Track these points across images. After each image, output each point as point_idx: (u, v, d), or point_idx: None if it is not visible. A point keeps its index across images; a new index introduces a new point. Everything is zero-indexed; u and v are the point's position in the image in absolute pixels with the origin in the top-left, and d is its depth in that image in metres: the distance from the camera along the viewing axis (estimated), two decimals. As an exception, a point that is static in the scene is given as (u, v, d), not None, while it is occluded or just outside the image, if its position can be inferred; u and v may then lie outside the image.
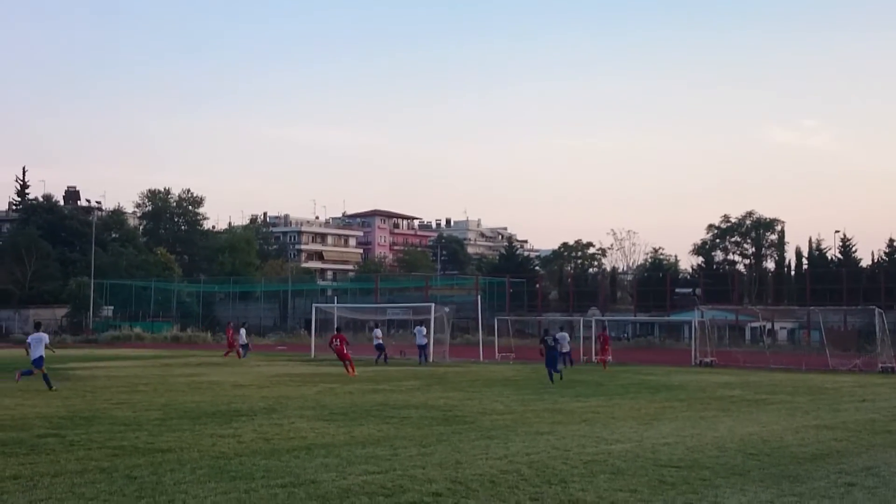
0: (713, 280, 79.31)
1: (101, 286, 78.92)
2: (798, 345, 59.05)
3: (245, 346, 43.70)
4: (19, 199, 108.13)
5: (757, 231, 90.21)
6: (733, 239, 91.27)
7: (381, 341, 40.26)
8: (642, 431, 15.42)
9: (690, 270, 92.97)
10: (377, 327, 43.64)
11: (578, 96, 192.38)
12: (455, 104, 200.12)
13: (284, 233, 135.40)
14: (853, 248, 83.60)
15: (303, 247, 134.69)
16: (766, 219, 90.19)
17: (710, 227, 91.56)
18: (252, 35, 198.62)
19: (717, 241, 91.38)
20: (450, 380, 28.52)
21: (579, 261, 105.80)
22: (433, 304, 45.10)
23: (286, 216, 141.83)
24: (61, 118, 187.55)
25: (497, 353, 44.06)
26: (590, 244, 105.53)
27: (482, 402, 20.72)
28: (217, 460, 11.84)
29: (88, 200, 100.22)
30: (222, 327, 77.97)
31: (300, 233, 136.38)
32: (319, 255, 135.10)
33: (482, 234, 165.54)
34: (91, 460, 11.74)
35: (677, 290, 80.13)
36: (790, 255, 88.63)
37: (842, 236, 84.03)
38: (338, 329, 35.49)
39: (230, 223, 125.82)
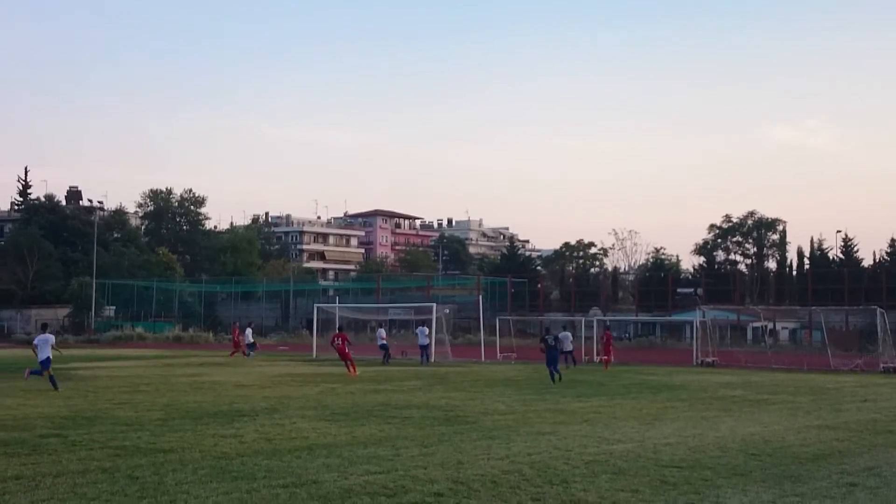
0: (715, 280, 79.29)
1: (103, 286, 78.97)
2: (800, 345, 59.01)
3: (252, 346, 43.83)
4: (21, 199, 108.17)
5: (758, 231, 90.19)
6: (735, 239, 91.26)
7: (384, 341, 40.40)
8: (644, 431, 15.42)
9: (692, 270, 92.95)
10: (381, 327, 43.77)
11: (579, 96, 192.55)
12: (455, 104, 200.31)
13: (286, 233, 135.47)
14: (855, 248, 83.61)
15: (304, 247, 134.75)
16: (767, 219, 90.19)
17: (712, 226, 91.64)
18: (252, 35, 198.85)
19: (719, 240, 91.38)
20: (451, 380, 28.52)
21: (581, 261, 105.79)
22: (435, 304, 45.13)
23: (288, 216, 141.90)
24: (63, 118, 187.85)
25: (499, 354, 44.07)
26: (591, 244, 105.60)
27: (484, 402, 20.72)
28: (219, 460, 11.85)
29: (90, 200, 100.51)
30: (224, 327, 78.35)
31: (302, 233, 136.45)
32: (321, 255, 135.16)
33: (484, 234, 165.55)
34: (93, 460, 11.76)
35: (679, 290, 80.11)
36: (792, 255, 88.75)
37: (843, 236, 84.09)
38: (339, 328, 35.56)
39: (232, 223, 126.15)
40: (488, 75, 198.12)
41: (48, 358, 23.62)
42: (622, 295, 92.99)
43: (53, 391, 22.34)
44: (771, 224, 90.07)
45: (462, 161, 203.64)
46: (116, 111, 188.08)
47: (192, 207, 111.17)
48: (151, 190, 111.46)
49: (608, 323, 47.43)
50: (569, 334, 38.51)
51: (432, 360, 40.12)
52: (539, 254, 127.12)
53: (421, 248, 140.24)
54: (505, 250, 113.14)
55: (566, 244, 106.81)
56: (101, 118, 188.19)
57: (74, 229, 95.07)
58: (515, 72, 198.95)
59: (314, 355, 43.74)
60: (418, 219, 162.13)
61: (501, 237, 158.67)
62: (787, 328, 68.50)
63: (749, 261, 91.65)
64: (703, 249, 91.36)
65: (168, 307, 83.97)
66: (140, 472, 10.88)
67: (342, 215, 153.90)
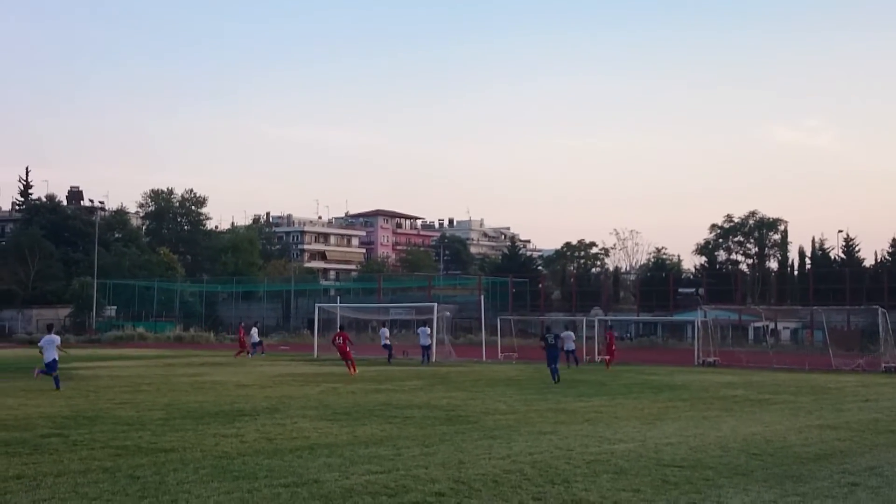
0: (716, 280, 79.26)
1: (105, 286, 79.03)
2: (801, 345, 58.97)
3: (258, 344, 43.90)
4: (22, 199, 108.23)
5: (760, 231, 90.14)
6: (736, 239, 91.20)
7: (388, 341, 40.56)
8: (645, 431, 15.41)
9: (693, 270, 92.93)
10: (384, 326, 43.87)
11: (579, 96, 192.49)
12: (455, 104, 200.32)
13: (287, 233, 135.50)
14: (856, 248, 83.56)
15: (306, 247, 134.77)
16: (769, 218, 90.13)
17: (713, 226, 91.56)
18: (252, 35, 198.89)
19: (720, 240, 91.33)
20: (453, 379, 28.52)
21: (582, 260, 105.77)
22: (436, 304, 45.13)
23: (289, 216, 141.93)
24: (63, 118, 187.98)
25: (500, 353, 44.06)
26: (592, 244, 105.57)
27: (485, 401, 20.72)
28: (220, 460, 11.85)
29: (91, 200, 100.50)
30: (225, 327, 78.42)
31: (303, 233, 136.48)
32: (322, 255, 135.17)
33: (485, 234, 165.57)
34: (94, 460, 11.76)
35: (680, 289, 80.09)
36: (793, 255, 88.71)
37: (845, 236, 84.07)
38: (340, 328, 35.60)
39: (233, 223, 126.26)
40: (488, 75, 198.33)
41: (54, 360, 23.62)
42: (623, 295, 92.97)
43: (55, 391, 22.35)
44: (772, 224, 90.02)
45: (462, 161, 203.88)
46: (116, 111, 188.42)
47: (193, 207, 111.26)
48: (152, 190, 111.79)
49: (610, 323, 47.40)
50: (571, 334, 38.53)
51: (433, 359, 40.13)
52: (540, 254, 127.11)
53: (422, 248, 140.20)
54: (506, 250, 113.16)
55: (567, 244, 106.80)
56: (102, 118, 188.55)
57: (75, 229, 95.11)
58: (515, 72, 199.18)
59: (315, 355, 43.73)
60: (419, 219, 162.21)
61: (502, 237, 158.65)
62: (788, 328, 68.46)
63: (750, 261, 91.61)
64: (704, 249, 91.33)
65: (169, 307, 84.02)
66: (141, 472, 10.88)
67: (343, 215, 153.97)
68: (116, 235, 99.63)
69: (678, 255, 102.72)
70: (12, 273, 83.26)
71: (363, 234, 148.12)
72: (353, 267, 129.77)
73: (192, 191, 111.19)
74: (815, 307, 54.01)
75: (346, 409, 18.76)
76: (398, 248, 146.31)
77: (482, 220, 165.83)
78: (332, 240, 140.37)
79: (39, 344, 24.54)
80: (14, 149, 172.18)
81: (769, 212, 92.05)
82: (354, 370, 30.88)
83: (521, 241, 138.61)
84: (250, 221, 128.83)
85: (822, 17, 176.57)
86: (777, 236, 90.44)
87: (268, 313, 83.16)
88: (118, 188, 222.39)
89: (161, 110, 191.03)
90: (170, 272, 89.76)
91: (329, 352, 37.17)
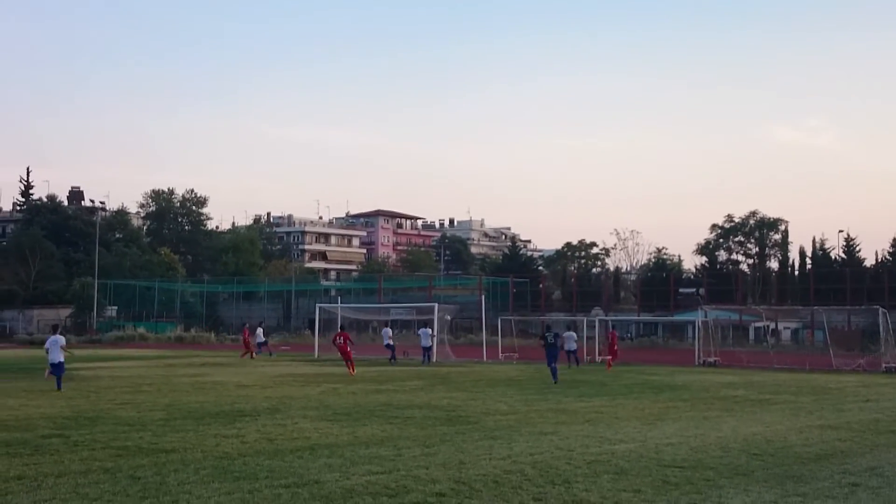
0: (717, 280, 79.22)
1: (105, 286, 79.03)
2: (802, 345, 58.96)
3: (264, 344, 43.95)
4: (23, 199, 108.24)
5: (760, 231, 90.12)
6: (737, 239, 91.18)
7: (391, 341, 40.63)
8: (646, 431, 15.42)
9: (694, 270, 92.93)
10: (387, 326, 43.98)
11: (579, 96, 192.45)
12: (455, 104, 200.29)
13: (288, 233, 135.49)
14: (857, 248, 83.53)
15: (306, 247, 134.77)
16: (769, 218, 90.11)
17: (714, 226, 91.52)
18: (252, 35, 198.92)
19: (721, 240, 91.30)
20: (453, 380, 28.52)
21: (583, 261, 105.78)
22: (436, 305, 45.14)
23: (290, 216, 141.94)
24: (64, 118, 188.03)
25: (500, 354, 44.07)
26: (593, 244, 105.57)
27: (486, 402, 20.72)
28: (221, 461, 11.85)
29: (92, 201, 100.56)
30: (226, 327, 78.45)
31: (304, 233, 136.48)
32: (323, 256, 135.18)
33: (485, 234, 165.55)
34: (95, 461, 11.77)
35: (681, 289, 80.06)
36: (794, 255, 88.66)
37: (845, 236, 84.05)
38: (341, 328, 35.62)
39: (234, 223, 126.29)
40: (488, 75, 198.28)
41: (61, 363, 23.64)
42: (624, 295, 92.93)
43: (56, 391, 22.37)
44: (773, 224, 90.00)
45: (462, 161, 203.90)
46: (116, 111, 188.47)
47: (193, 208, 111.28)
48: (153, 190, 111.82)
49: (613, 323, 47.40)
50: (573, 334, 38.57)
51: (434, 360, 40.14)
52: (541, 254, 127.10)
53: (423, 249, 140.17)
54: (507, 250, 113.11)
55: (568, 244, 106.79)
56: (102, 118, 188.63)
57: (76, 230, 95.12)
58: (515, 72, 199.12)
59: (316, 355, 43.74)
60: (420, 219, 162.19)
61: (503, 237, 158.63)
62: (789, 328, 68.45)
63: (751, 261, 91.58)
64: (704, 249, 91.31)
65: (170, 307, 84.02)
66: (142, 473, 10.89)
67: (344, 215, 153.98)
68: (117, 236, 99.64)
69: (679, 255, 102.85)
70: (13, 273, 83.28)
71: (364, 234, 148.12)
72: (353, 267, 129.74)
73: (192, 191, 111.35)
74: (815, 307, 53.98)
75: (346, 409, 18.76)
76: (399, 248, 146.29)
77: (483, 220, 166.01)
78: (333, 240, 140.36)
79: (46, 346, 24.56)
80: (15, 149, 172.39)
81: (770, 212, 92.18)
82: (353, 370, 30.92)
83: (521, 241, 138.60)
84: (251, 221, 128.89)
85: (821, 17, 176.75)
86: (778, 236, 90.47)
87: (268, 313, 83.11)
88: (119, 188, 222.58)
89: (161, 110, 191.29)
90: (170, 272, 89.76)
91: (330, 352, 37.19)
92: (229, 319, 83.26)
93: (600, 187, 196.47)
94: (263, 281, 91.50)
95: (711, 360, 40.39)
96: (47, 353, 24.02)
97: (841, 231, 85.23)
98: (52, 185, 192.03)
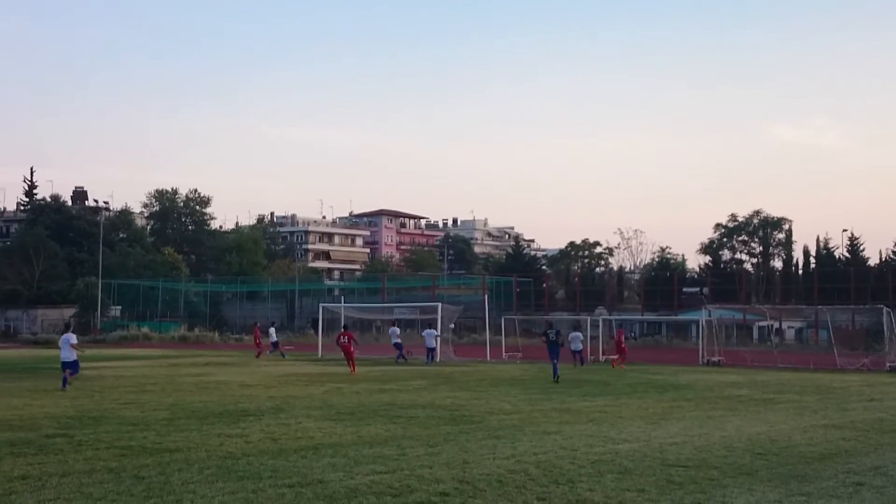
0: (721, 279, 79.17)
1: (109, 286, 79.08)
2: (806, 344, 58.86)
3: (276, 345, 44.04)
4: (27, 199, 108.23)
5: (764, 230, 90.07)
6: (741, 238, 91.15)
7: (399, 340, 40.75)
8: (650, 431, 15.41)
9: (698, 269, 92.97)
10: (394, 325, 44.05)
11: (579, 96, 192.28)
12: (455, 104, 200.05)
13: (291, 232, 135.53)
14: (861, 247, 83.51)
15: (310, 246, 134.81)
16: (773, 218, 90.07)
17: (718, 226, 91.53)
18: (252, 35, 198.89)
19: (725, 240, 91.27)
20: (457, 379, 28.53)
21: (586, 260, 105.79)
22: (440, 304, 45.17)
23: (293, 216, 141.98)
24: (66, 119, 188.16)
25: (504, 353, 44.07)
26: (597, 243, 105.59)
27: (489, 401, 20.72)
28: (225, 460, 11.86)
29: (96, 201, 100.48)
30: (230, 327, 78.52)
31: (307, 232, 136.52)
32: (326, 255, 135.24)
33: (489, 234, 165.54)
34: (99, 460, 11.77)
35: (685, 289, 79.96)
36: (798, 254, 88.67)
37: (850, 235, 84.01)
38: (345, 327, 35.68)
39: (237, 223, 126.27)
40: (488, 75, 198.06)
41: (76, 361, 23.83)
42: (628, 294, 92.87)
43: (60, 391, 22.40)
44: (777, 223, 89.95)
45: (463, 161, 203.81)
46: (117, 111, 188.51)
47: (197, 207, 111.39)
48: (157, 190, 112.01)
49: (619, 322, 47.40)
50: (579, 334, 38.58)
51: (437, 359, 40.17)
52: (544, 253, 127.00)
53: (426, 248, 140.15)
54: (510, 250, 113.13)
55: (571, 244, 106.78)
56: (103, 118, 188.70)
57: (80, 229, 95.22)
58: (515, 72, 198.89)
59: (319, 355, 43.78)
60: (423, 218, 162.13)
61: (507, 237, 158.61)
62: (793, 327, 68.36)
63: (755, 260, 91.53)
64: (708, 249, 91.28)
65: (174, 307, 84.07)
66: (146, 472, 10.89)
67: (347, 215, 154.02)
68: (121, 235, 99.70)
69: (682, 255, 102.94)
70: (17, 273, 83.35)
71: (367, 233, 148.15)
72: (357, 267, 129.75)
73: (196, 191, 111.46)
74: (819, 306, 53.89)
75: (350, 409, 18.77)
76: (402, 247, 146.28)
77: (486, 219, 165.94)
78: (337, 240, 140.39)
79: (60, 344, 24.81)
80: (18, 149, 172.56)
81: (773, 211, 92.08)
82: (354, 370, 30.95)
83: (525, 240, 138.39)
84: (254, 221, 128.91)
85: (828, 16, 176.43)
86: (781, 235, 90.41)
87: (272, 313, 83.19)
88: (122, 188, 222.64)
89: (161, 110, 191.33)
90: (174, 272, 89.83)
91: (333, 352, 37.20)
92: (233, 319, 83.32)
93: (603, 187, 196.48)
94: (267, 280, 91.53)
95: (715, 359, 40.35)
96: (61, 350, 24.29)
97: (845, 230, 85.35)
98: (55, 185, 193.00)
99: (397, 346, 40.42)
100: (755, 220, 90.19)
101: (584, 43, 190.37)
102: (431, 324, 42.52)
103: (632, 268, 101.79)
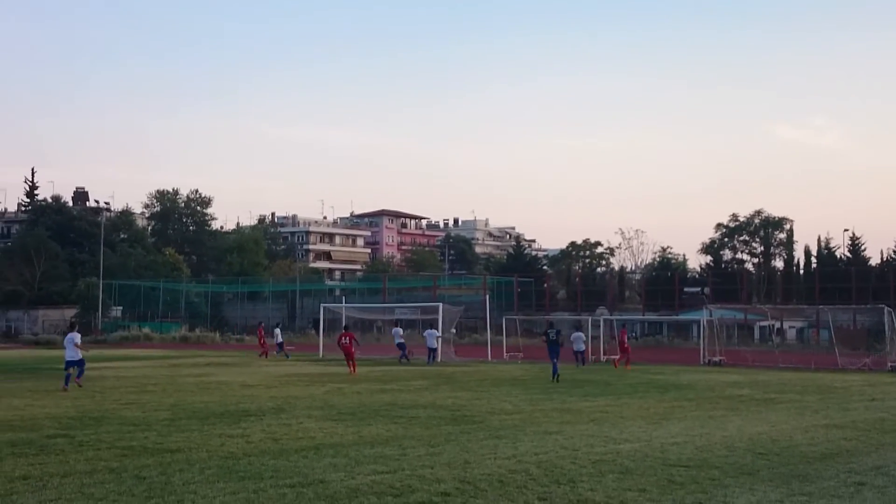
0: (722, 279, 79.11)
1: (110, 287, 79.11)
2: (807, 344, 58.83)
3: (280, 346, 44.11)
4: (28, 200, 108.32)
5: (765, 230, 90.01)
6: (742, 238, 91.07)
7: (402, 340, 40.82)
8: (651, 431, 15.40)
9: (699, 269, 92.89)
10: (397, 326, 44.10)
11: (579, 96, 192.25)
12: (455, 104, 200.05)
13: (292, 233, 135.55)
14: (862, 247, 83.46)
15: (311, 247, 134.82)
16: (774, 217, 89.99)
17: (719, 226, 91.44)
18: (252, 35, 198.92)
19: (726, 240, 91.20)
20: (458, 379, 28.52)
21: (587, 260, 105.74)
22: (441, 304, 45.19)
23: (294, 216, 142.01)
24: (67, 119, 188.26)
25: (505, 353, 44.05)
26: (598, 243, 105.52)
27: (490, 401, 20.72)
28: (226, 460, 11.86)
29: (97, 201, 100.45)
30: (231, 327, 78.53)
31: (308, 233, 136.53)
32: (327, 255, 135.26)
33: (490, 234, 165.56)
34: (100, 461, 11.78)
35: (686, 289, 79.93)
36: (799, 254, 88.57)
37: (851, 235, 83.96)
38: (345, 328, 35.67)
39: (238, 223, 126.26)
40: (488, 75, 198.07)
41: (75, 360, 23.84)
42: (629, 294, 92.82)
43: (61, 391, 22.41)
44: (778, 223, 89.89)
45: (463, 161, 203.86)
46: (117, 111, 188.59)
47: (198, 208, 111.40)
48: (158, 191, 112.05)
49: (623, 322, 47.42)
50: (581, 334, 38.61)
51: (439, 359, 40.20)
52: (545, 253, 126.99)
53: (427, 248, 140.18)
54: (511, 250, 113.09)
55: (572, 244, 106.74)
56: (103, 119, 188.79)
57: (81, 230, 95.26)
58: (515, 72, 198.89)
59: (320, 355, 43.79)
60: (424, 219, 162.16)
61: (507, 237, 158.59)
62: (794, 327, 68.32)
63: (756, 260, 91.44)
64: (709, 248, 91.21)
65: (175, 307, 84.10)
66: (147, 472, 10.89)
67: (348, 215, 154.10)
68: (122, 236, 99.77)
69: (683, 255, 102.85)
70: (18, 274, 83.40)
71: (368, 234, 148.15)
72: (358, 267, 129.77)
73: (197, 191, 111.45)
74: (820, 306, 53.89)
75: (351, 409, 18.77)
76: (403, 248, 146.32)
77: (487, 219, 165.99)
78: (338, 240, 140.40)
79: (64, 343, 25.01)
80: (18, 150, 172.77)
81: (775, 211, 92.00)
82: (355, 370, 30.93)
83: (526, 240, 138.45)
84: (255, 222, 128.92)
85: (829, 16, 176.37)
86: (783, 235, 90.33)
87: (273, 313, 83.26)
88: (122, 188, 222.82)
89: (161, 110, 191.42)
90: (175, 272, 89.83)
91: (335, 352, 37.19)
92: (234, 320, 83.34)
93: (603, 187, 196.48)
94: (268, 281, 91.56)
95: (716, 359, 40.34)
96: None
97: (846, 230, 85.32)
98: (56, 185, 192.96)
99: (400, 346, 40.46)
100: (756, 220, 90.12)
101: (584, 43, 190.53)
102: (433, 324, 42.56)
103: (633, 268, 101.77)
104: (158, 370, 32.95)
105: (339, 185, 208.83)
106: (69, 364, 23.83)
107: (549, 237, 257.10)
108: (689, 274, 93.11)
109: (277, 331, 45.97)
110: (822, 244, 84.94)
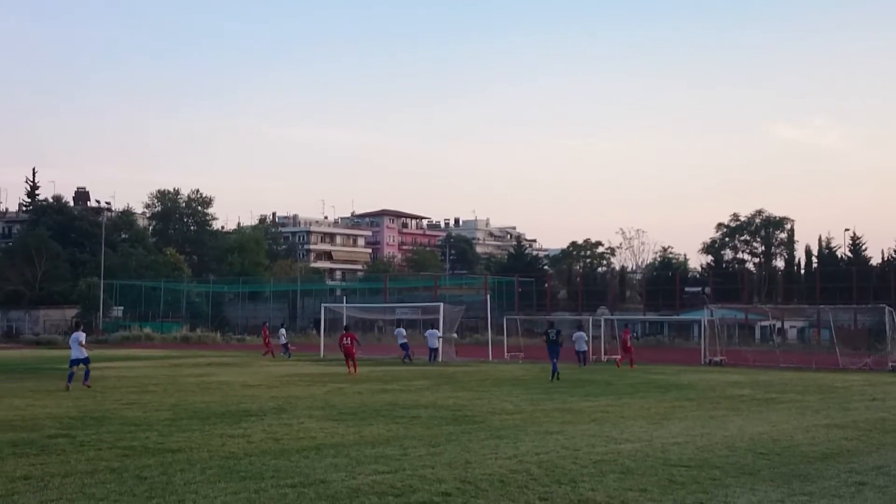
0: (723, 279, 79.11)
1: (111, 287, 79.15)
2: (808, 343, 58.85)
3: (286, 346, 44.14)
4: (29, 200, 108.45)
5: (766, 229, 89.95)
6: (742, 237, 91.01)
7: (405, 340, 40.84)
8: (652, 431, 15.40)
9: (700, 269, 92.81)
10: (399, 326, 44.14)
11: (579, 96, 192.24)
12: (455, 104, 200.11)
13: (293, 233, 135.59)
14: (863, 247, 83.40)
15: (312, 247, 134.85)
16: (775, 217, 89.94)
17: (720, 225, 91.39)
18: (252, 35, 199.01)
19: (727, 239, 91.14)
20: (459, 379, 28.52)
21: (588, 260, 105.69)
22: (442, 304, 45.20)
23: (295, 216, 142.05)
24: (68, 119, 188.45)
25: (506, 353, 44.04)
26: (599, 243, 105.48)
27: (491, 401, 20.71)
28: (227, 460, 11.86)
29: (98, 201, 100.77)
30: (232, 327, 78.56)
31: (309, 233, 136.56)
32: (328, 255, 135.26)
33: (491, 234, 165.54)
34: (101, 461, 11.78)
35: (687, 288, 79.91)
36: (800, 254, 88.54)
37: (852, 234, 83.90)
38: (346, 328, 35.66)
39: (239, 223, 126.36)
40: (488, 75, 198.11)
41: (84, 358, 24.01)
42: (630, 294, 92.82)
43: (63, 391, 22.41)
44: (779, 223, 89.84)
45: (464, 161, 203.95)
46: (117, 111, 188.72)
47: (199, 208, 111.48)
48: (159, 190, 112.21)
49: (626, 323, 47.42)
50: (583, 334, 38.61)
51: (440, 359, 40.22)
52: (546, 253, 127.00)
53: (428, 248, 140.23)
54: (512, 250, 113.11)
55: (573, 243, 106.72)
56: (103, 119, 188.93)
57: (82, 230, 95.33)
58: (515, 72, 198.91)
59: (321, 355, 43.79)
60: (425, 218, 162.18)
61: (508, 237, 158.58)
62: (795, 327, 68.32)
63: (757, 259, 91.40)
64: (710, 248, 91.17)
65: (176, 307, 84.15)
66: (148, 472, 10.90)
67: (349, 215, 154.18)
68: (123, 236, 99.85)
69: (684, 255, 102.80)
70: (19, 274, 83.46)
71: (369, 233, 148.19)
72: (359, 267, 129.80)
73: (198, 191, 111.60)
74: (821, 306, 53.87)
75: (352, 409, 18.77)
76: (404, 247, 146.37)
77: (488, 219, 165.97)
78: (338, 240, 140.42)
79: (69, 343, 25.16)
80: (19, 150, 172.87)
81: (775, 210, 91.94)
82: (355, 370, 30.93)
83: (526, 240, 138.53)
84: (256, 222, 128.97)
85: (830, 16, 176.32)
86: (783, 235, 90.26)
87: (274, 313, 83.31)
88: (123, 188, 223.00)
89: (161, 110, 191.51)
90: (176, 272, 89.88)
91: (335, 352, 37.19)
92: (235, 319, 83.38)
93: (604, 187, 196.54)
94: (269, 281, 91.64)
95: (717, 359, 40.33)
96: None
97: (847, 230, 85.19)
98: (57, 185, 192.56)
99: (404, 346, 40.52)
100: (757, 220, 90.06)
101: (584, 43, 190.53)
102: (434, 324, 42.57)
103: (634, 268, 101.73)
104: (159, 370, 32.95)
105: (340, 184, 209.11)
106: (74, 362, 23.95)
107: (549, 237, 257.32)
108: (690, 274, 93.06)
109: (283, 331, 46.04)
110: (823, 244, 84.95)
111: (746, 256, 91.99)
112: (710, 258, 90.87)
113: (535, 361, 39.25)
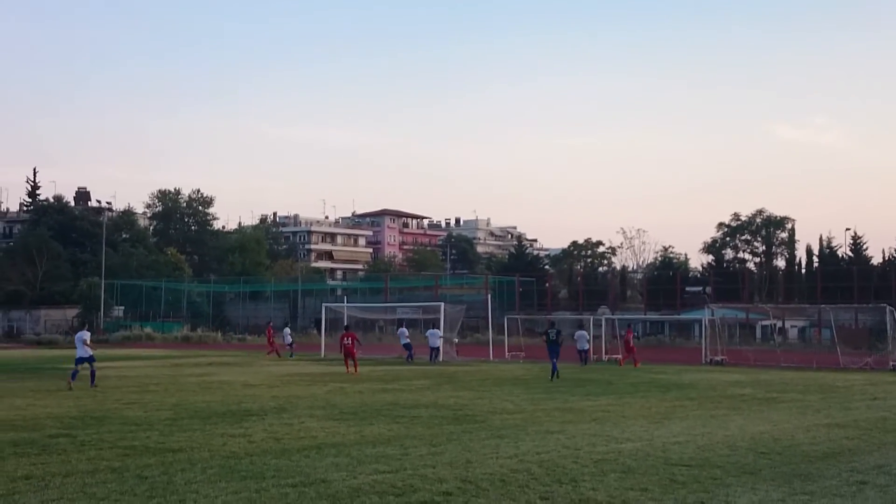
0: (723, 278, 79.10)
1: (112, 286, 79.14)
2: (809, 343, 58.83)
3: (291, 346, 44.19)
4: (30, 200, 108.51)
5: (767, 229, 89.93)
6: (743, 237, 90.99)
7: (408, 340, 40.87)
8: (653, 430, 15.40)
9: (701, 269, 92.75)
10: (402, 326, 44.14)
11: (579, 96, 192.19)
12: (455, 104, 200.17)
13: (294, 233, 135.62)
14: (864, 246, 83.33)
15: (312, 246, 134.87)
16: (776, 217, 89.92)
17: (720, 225, 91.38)
18: (252, 35, 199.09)
19: (728, 239, 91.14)
20: (460, 379, 28.52)
21: (589, 259, 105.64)
22: (443, 304, 45.20)
23: (296, 216, 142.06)
24: (68, 119, 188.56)
25: (507, 353, 44.04)
26: (599, 243, 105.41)
27: (492, 401, 20.71)
28: (228, 460, 11.86)
29: (99, 201, 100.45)
30: (233, 327, 78.58)
31: (310, 232, 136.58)
32: (329, 255, 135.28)
33: (492, 234, 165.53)
34: (102, 460, 11.79)
35: (687, 288, 79.92)
36: (801, 253, 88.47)
37: (852, 234, 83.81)
38: (346, 328, 35.66)
39: (240, 223, 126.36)
40: (488, 75, 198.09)
41: (88, 357, 24.23)
42: (630, 294, 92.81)
43: (65, 391, 22.42)
44: (779, 222, 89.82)
45: (464, 161, 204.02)
46: (118, 111, 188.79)
47: (200, 208, 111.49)
48: (160, 190, 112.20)
49: (629, 322, 47.42)
50: (585, 333, 38.63)
51: (441, 359, 40.22)
52: (547, 253, 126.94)
53: (429, 248, 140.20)
54: (513, 249, 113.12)
55: (574, 243, 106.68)
56: (103, 119, 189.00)
57: (83, 230, 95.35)
58: (515, 72, 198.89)
59: (322, 355, 43.79)
60: (426, 218, 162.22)
61: (509, 236, 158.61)
62: (796, 326, 68.28)
63: (758, 259, 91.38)
64: (711, 248, 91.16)
65: (176, 307, 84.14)
66: (149, 472, 10.90)
67: (350, 215, 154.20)
68: (124, 236, 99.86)
69: (685, 254, 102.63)
70: (20, 274, 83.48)
71: (370, 233, 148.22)
72: (359, 266, 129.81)
73: (199, 191, 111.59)
74: (822, 305, 53.86)
75: (353, 408, 18.77)
76: (405, 247, 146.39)
77: (489, 219, 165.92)
78: (339, 239, 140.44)
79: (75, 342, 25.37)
80: (20, 150, 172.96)
81: (776, 210, 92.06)
82: (356, 370, 30.92)
83: (527, 240, 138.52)
84: (257, 221, 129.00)
85: (822, 17, 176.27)
86: (784, 234, 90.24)
87: (275, 313, 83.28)
88: (123, 188, 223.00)
89: (161, 110, 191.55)
90: (177, 272, 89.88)
91: (336, 351, 37.19)
92: (236, 319, 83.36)
93: (604, 187, 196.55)
94: (270, 281, 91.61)
95: (718, 358, 40.32)
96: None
97: (848, 229, 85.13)
98: (58, 185, 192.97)
99: (407, 346, 40.56)
100: (758, 220, 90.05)
101: (584, 43, 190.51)
102: (435, 323, 42.59)
103: (634, 267, 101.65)
104: (160, 370, 32.96)
105: (341, 184, 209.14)
106: (79, 360, 24.24)
107: (550, 237, 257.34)
108: (691, 273, 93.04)
109: (287, 330, 46.06)
110: (824, 243, 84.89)
111: (747, 256, 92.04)
112: (710, 258, 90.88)
113: (535, 361, 39.24)
